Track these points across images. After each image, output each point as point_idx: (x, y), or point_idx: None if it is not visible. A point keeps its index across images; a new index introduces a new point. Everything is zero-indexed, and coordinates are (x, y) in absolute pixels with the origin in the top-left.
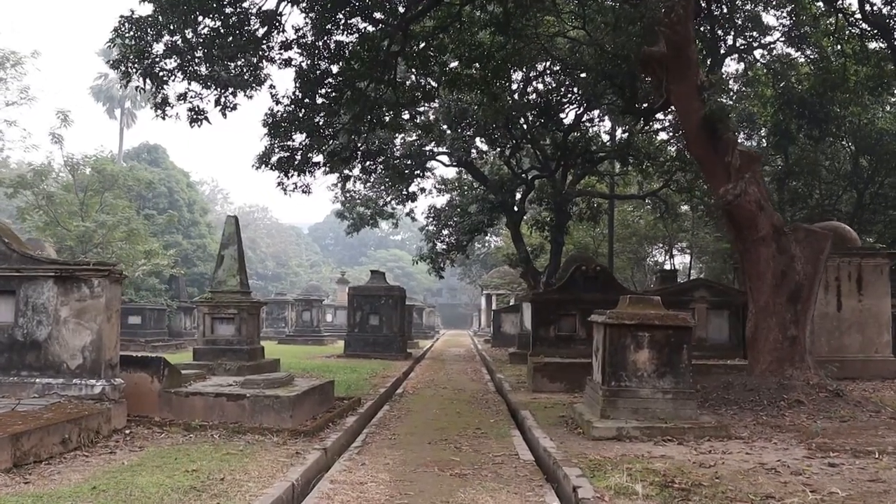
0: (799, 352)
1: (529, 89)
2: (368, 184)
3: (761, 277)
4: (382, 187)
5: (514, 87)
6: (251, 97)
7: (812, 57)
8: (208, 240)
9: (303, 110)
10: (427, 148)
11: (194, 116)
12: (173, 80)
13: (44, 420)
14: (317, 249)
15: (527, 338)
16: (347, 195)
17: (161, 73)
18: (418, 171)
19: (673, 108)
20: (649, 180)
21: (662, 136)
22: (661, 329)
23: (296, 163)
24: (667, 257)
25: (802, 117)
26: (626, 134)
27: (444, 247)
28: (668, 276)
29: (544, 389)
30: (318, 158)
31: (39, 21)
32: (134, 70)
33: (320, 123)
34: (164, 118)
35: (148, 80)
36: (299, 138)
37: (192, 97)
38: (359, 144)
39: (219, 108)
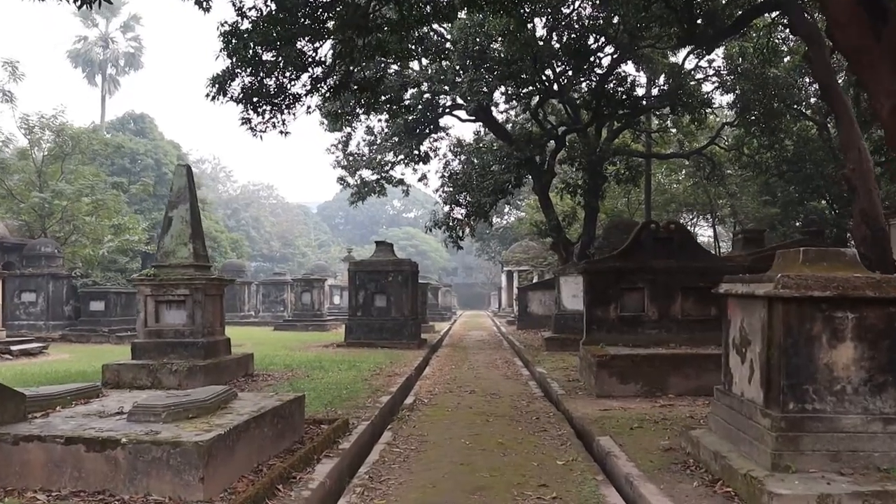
0: None
1: (562, 24)
2: (374, 146)
3: None
4: (388, 145)
5: (542, 24)
6: (208, 8)
7: None
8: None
9: (277, 28)
10: (441, 102)
11: None
12: None
13: None
14: (326, 229)
15: (565, 319)
16: (350, 158)
17: None
18: (431, 128)
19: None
20: (691, 138)
21: (707, 87)
22: (878, 306)
23: (268, 93)
24: (699, 226)
25: None
26: (669, 81)
27: (463, 212)
28: (753, 238)
29: (614, 394)
30: (298, 89)
31: None
32: None
33: (302, 48)
34: None
35: None
36: (269, 56)
37: None
38: (352, 69)
39: None
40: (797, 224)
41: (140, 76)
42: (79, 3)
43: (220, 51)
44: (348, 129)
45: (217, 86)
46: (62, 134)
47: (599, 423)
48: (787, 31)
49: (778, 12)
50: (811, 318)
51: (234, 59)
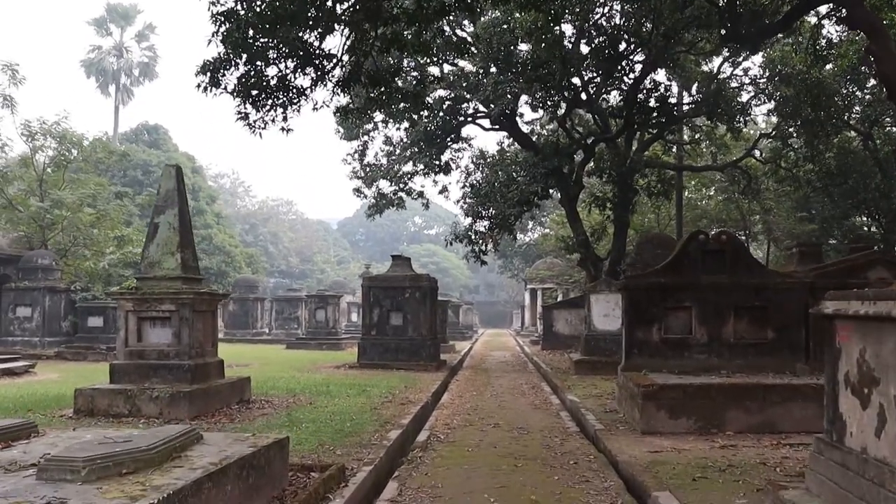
0: None
1: (591, 29)
2: (393, 157)
3: None
4: (407, 155)
5: (571, 30)
6: None
7: None
8: (215, 230)
9: (278, 10)
10: (463, 108)
11: None
12: None
13: None
14: (346, 245)
15: (595, 340)
16: (367, 169)
17: None
18: (452, 137)
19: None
20: (725, 151)
21: (743, 97)
22: None
23: (268, 85)
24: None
25: None
26: (703, 90)
27: (486, 224)
28: (810, 252)
29: (662, 430)
30: (303, 81)
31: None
32: None
33: (308, 39)
34: None
35: None
36: (269, 42)
37: None
38: (362, 60)
39: None
40: (832, 241)
41: (155, 86)
42: None
43: (213, 34)
44: (365, 138)
45: (209, 75)
46: (64, 141)
47: (653, 471)
48: (831, 32)
49: (829, 6)
50: None
51: (227, 46)
